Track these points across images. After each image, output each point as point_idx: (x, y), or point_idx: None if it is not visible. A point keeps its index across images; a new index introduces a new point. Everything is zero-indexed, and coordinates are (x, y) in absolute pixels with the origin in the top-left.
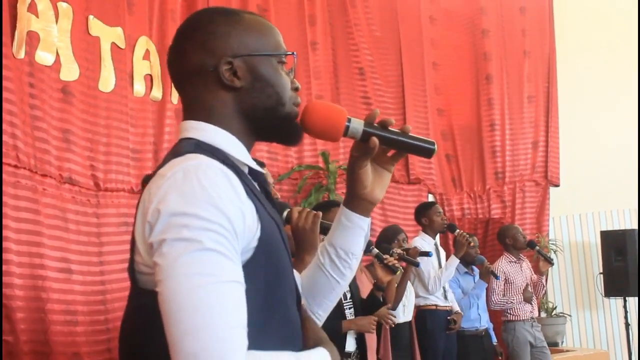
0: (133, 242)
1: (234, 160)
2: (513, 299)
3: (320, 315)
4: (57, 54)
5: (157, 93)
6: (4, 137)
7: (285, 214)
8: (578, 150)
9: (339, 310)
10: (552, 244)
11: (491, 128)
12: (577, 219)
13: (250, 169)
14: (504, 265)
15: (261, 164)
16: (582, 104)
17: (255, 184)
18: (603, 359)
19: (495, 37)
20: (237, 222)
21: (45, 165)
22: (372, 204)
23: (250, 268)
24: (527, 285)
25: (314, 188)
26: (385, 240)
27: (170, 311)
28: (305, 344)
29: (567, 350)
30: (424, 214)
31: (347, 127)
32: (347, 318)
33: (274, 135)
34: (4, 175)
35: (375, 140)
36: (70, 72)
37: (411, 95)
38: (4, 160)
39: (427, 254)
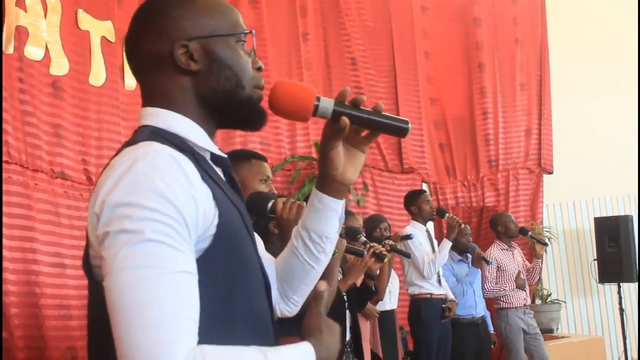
0: (87, 235)
1: (193, 147)
2: (505, 287)
3: (296, 300)
4: (47, 49)
5: None
6: None
7: (270, 205)
8: (571, 137)
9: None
10: (546, 231)
11: (484, 116)
12: (570, 206)
13: (213, 155)
14: (496, 252)
15: (262, 158)
16: (574, 91)
17: (218, 170)
18: (598, 344)
19: (487, 26)
20: (188, 210)
21: (36, 160)
22: (344, 185)
23: (208, 256)
24: (519, 272)
25: (308, 179)
26: (368, 229)
27: (111, 306)
28: (303, 330)
29: (562, 337)
30: (412, 202)
31: (317, 107)
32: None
33: (235, 120)
34: None
35: (345, 119)
36: (60, 66)
37: (403, 84)
38: None
39: (408, 237)
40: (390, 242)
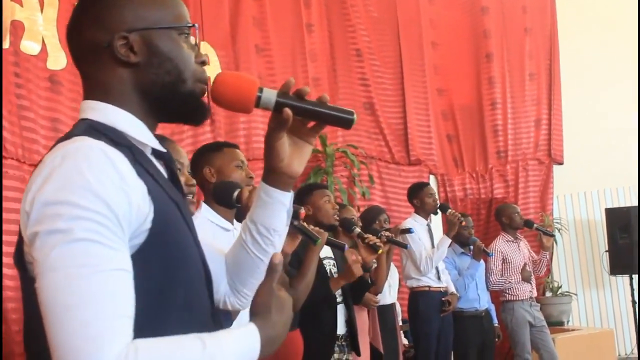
0: (20, 231)
1: (132, 141)
2: (511, 279)
3: (246, 294)
4: (44, 43)
5: None
6: None
7: (235, 194)
8: (582, 127)
9: (326, 286)
10: (557, 222)
11: (492, 107)
12: (581, 196)
13: (155, 150)
14: (501, 244)
15: (234, 145)
16: (585, 81)
17: (159, 164)
18: (608, 337)
19: (495, 15)
20: (120, 207)
21: (33, 154)
22: (291, 177)
23: (143, 252)
24: (525, 264)
25: (313, 171)
26: (367, 221)
27: (44, 308)
28: (252, 307)
29: (573, 330)
30: (415, 196)
31: (259, 98)
32: (337, 300)
33: (176, 114)
34: None
35: (287, 111)
36: (57, 61)
37: (410, 75)
38: None
39: (408, 230)
40: (387, 233)
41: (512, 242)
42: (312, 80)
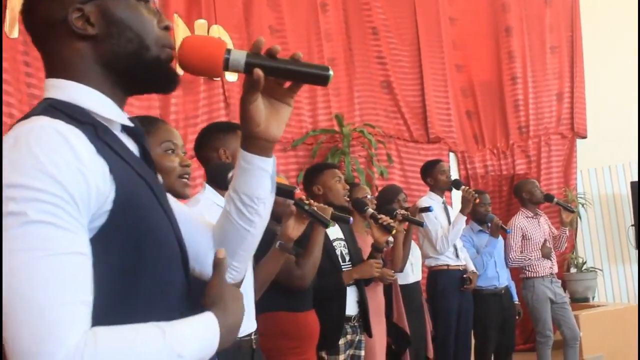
0: None
1: (96, 118)
2: (531, 256)
3: (236, 267)
4: None
5: None
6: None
7: (230, 175)
8: (605, 99)
9: (337, 273)
10: (581, 197)
11: (513, 82)
12: (606, 170)
13: (126, 126)
14: (521, 221)
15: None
16: (608, 52)
17: (130, 141)
18: (634, 313)
19: None
20: (76, 187)
21: None
22: (269, 142)
23: (105, 234)
24: (545, 240)
25: (330, 152)
26: (385, 200)
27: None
28: (205, 301)
29: (598, 306)
30: (428, 174)
31: (227, 60)
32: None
33: (144, 84)
34: None
35: (258, 71)
36: None
37: (427, 52)
38: None
39: (427, 209)
40: (403, 211)
41: (532, 218)
42: (328, 61)
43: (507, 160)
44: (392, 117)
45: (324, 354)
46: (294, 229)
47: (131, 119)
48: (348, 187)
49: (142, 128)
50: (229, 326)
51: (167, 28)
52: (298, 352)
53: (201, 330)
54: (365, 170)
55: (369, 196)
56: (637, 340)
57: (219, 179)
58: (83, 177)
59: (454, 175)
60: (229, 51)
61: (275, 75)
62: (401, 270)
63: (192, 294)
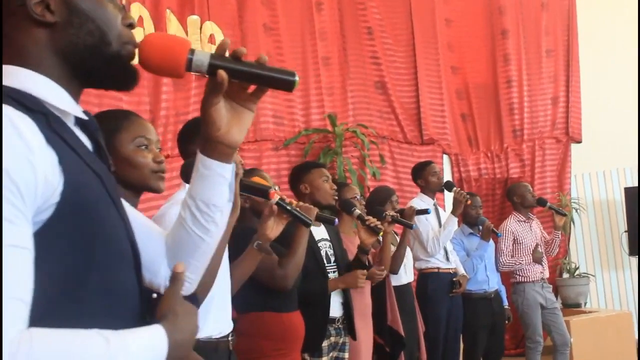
0: None
1: (49, 108)
2: (522, 260)
3: (189, 277)
4: None
5: None
6: None
7: None
8: (601, 104)
9: (322, 274)
10: (575, 202)
11: (508, 85)
12: (600, 175)
13: (79, 118)
14: (512, 224)
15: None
16: (603, 56)
17: (82, 134)
18: (626, 319)
19: None
20: (22, 177)
21: None
22: (229, 147)
23: (50, 228)
24: (537, 245)
25: (323, 151)
26: (377, 202)
27: None
28: (156, 314)
29: (590, 312)
30: (419, 175)
31: (190, 60)
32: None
33: (101, 79)
34: None
35: (222, 73)
36: None
37: (423, 53)
38: None
39: (425, 211)
40: (392, 213)
41: (524, 222)
42: (322, 60)
43: (501, 164)
44: (385, 118)
45: (306, 356)
46: (273, 229)
47: (86, 113)
48: (335, 187)
49: (117, 122)
50: (177, 342)
51: (131, 25)
52: (282, 353)
53: (148, 344)
54: (357, 171)
55: (357, 197)
56: (637, 347)
57: (189, 178)
58: (30, 165)
59: (447, 177)
60: (192, 51)
61: (240, 79)
62: (396, 272)
63: (143, 303)
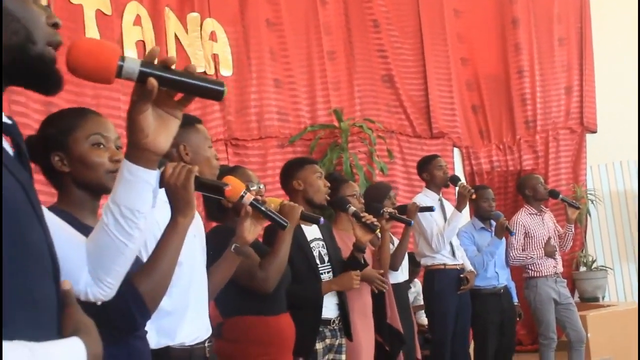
0: None
1: None
2: (533, 254)
3: (110, 283)
4: None
5: None
6: None
7: (160, 171)
8: (616, 93)
9: (314, 275)
10: (591, 194)
11: (519, 75)
12: (617, 166)
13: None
14: (524, 218)
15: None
16: (618, 44)
17: (5, 141)
18: None
19: None
20: None
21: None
22: (156, 154)
23: None
24: (549, 238)
25: (329, 147)
26: (375, 198)
27: None
28: (63, 331)
29: (608, 305)
30: (424, 169)
31: (121, 67)
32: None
33: (23, 79)
34: None
35: (152, 80)
36: None
37: (431, 45)
38: None
39: (430, 209)
40: (390, 209)
41: (536, 215)
42: (327, 54)
43: (513, 156)
44: (393, 112)
45: None
46: (250, 231)
47: (9, 118)
48: (329, 184)
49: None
50: (95, 355)
51: (55, 25)
52: (269, 358)
53: (69, 356)
54: (364, 166)
55: (357, 194)
56: (637, 339)
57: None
58: None
59: (459, 171)
60: (123, 58)
61: (169, 87)
62: (396, 269)
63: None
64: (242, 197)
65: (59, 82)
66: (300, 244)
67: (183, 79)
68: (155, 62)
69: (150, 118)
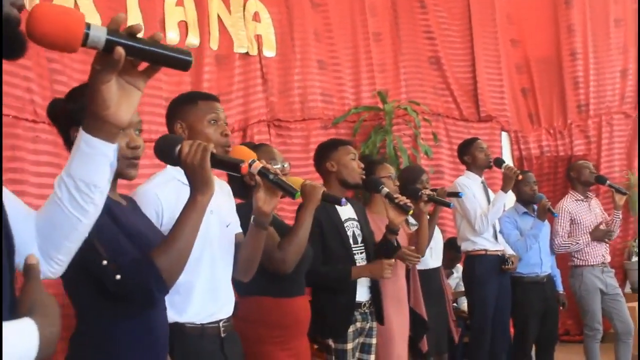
0: None
1: None
2: (579, 240)
3: (60, 260)
4: (76, 4)
5: (193, 39)
6: (19, 92)
7: (177, 149)
8: None
9: (347, 257)
10: None
11: (572, 57)
12: None
13: None
14: (569, 204)
15: (211, 97)
16: None
17: None
18: None
19: None
20: None
21: None
22: (116, 127)
23: None
24: (599, 224)
25: (374, 130)
26: (408, 181)
27: None
28: (19, 309)
29: None
30: (465, 152)
31: (87, 35)
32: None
33: None
34: (21, 131)
35: (120, 50)
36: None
37: (479, 26)
38: (21, 115)
39: (456, 194)
40: (428, 191)
41: (582, 201)
42: (373, 35)
43: (564, 141)
44: (440, 95)
45: (331, 342)
46: (265, 202)
47: None
48: (363, 165)
49: None
50: (49, 337)
51: None
52: (280, 341)
53: (18, 339)
54: (409, 149)
55: (392, 176)
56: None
57: (167, 155)
58: None
59: (507, 155)
60: (88, 25)
61: (135, 56)
62: (422, 255)
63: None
64: (250, 166)
65: (21, 45)
66: (335, 223)
67: (150, 48)
68: (121, 30)
69: (114, 88)
